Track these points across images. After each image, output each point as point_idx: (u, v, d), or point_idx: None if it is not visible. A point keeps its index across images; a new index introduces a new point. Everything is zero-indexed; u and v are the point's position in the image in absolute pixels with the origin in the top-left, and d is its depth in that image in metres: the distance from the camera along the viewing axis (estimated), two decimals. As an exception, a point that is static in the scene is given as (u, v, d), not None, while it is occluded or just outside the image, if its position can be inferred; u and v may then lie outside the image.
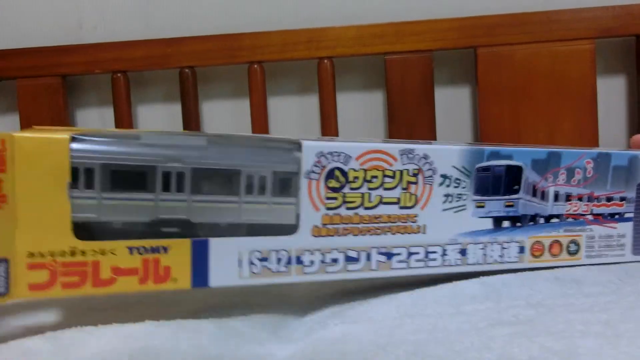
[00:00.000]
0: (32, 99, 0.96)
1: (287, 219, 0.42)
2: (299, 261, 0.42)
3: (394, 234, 0.44)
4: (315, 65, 0.95)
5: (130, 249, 0.38)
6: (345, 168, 0.43)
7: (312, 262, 0.42)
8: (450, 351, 0.34)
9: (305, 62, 0.96)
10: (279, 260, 0.41)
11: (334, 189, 0.42)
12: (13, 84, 0.97)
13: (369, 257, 0.43)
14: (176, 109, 0.98)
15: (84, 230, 0.38)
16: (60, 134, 0.37)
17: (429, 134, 0.94)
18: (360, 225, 0.43)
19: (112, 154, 0.38)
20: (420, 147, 0.44)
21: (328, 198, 0.42)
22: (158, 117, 1.02)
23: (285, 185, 0.42)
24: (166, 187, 0.39)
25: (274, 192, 0.42)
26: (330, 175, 0.42)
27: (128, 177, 0.38)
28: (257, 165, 0.41)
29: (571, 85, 0.92)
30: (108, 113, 0.99)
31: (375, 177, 0.43)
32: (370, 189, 0.43)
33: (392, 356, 0.35)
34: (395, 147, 0.44)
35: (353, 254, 0.43)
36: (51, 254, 0.36)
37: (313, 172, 0.42)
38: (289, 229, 0.42)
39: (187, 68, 0.95)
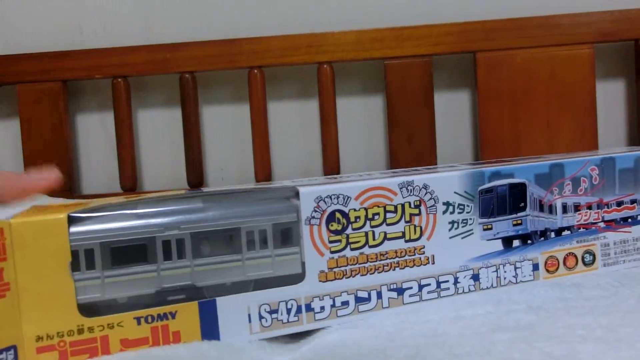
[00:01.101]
0: (32, 104, 0.96)
1: (292, 269, 0.42)
2: (309, 308, 0.41)
3: (402, 268, 0.44)
4: (315, 70, 0.95)
5: (138, 319, 0.38)
6: (346, 209, 0.42)
7: (322, 308, 0.42)
8: (450, 355, 0.34)
9: (305, 67, 0.97)
10: (288, 310, 0.41)
11: (337, 232, 0.42)
12: (13, 89, 0.97)
13: (379, 295, 0.43)
14: (176, 114, 0.98)
15: (89, 309, 0.37)
16: (57, 214, 0.36)
17: (429, 139, 0.94)
18: (367, 265, 0.43)
19: (110, 232, 0.38)
20: (419, 178, 0.44)
21: (331, 241, 0.42)
22: (158, 122, 1.02)
23: (287, 235, 0.41)
24: (167, 256, 0.39)
25: (276, 244, 0.41)
26: (331, 218, 0.42)
27: (128, 252, 0.38)
28: (256, 219, 0.41)
29: (570, 89, 0.92)
30: (108, 118, 0.99)
31: (377, 214, 0.43)
32: (373, 226, 0.43)
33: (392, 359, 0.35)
34: (393, 181, 0.44)
35: (363, 294, 0.43)
36: (59, 335, 0.36)
37: (313, 217, 0.42)
38: (296, 278, 0.41)
39: (187, 73, 0.95)
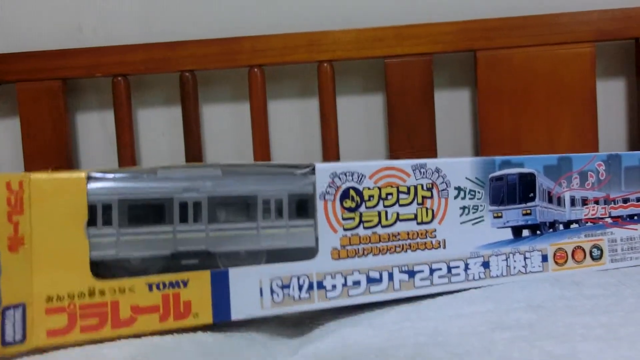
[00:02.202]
0: (32, 102, 0.96)
1: (306, 241, 0.41)
2: (321, 286, 0.41)
3: (414, 250, 0.43)
4: (315, 68, 0.95)
5: (150, 285, 0.37)
6: (360, 187, 0.42)
7: (334, 287, 0.41)
8: (450, 354, 0.34)
9: (305, 65, 0.97)
10: (300, 287, 0.41)
11: (350, 209, 0.42)
12: (13, 87, 0.97)
13: (391, 277, 0.43)
14: (176, 113, 0.98)
15: (102, 268, 0.37)
16: (77, 173, 0.36)
17: (429, 137, 0.94)
18: (379, 244, 0.43)
19: (128, 190, 0.38)
20: (431, 161, 0.44)
21: (345, 219, 0.42)
22: (158, 120, 1.02)
23: (302, 207, 0.41)
24: (183, 218, 0.39)
25: (291, 215, 0.41)
26: (345, 195, 0.42)
27: (145, 211, 0.38)
28: (273, 189, 0.41)
29: (571, 88, 0.92)
30: (109, 116, 0.99)
31: (390, 194, 0.43)
32: (386, 206, 0.43)
33: (392, 358, 0.35)
34: (407, 163, 0.44)
35: (375, 274, 0.42)
36: (70, 296, 0.36)
37: (328, 193, 0.42)
38: (310, 252, 0.41)
39: (187, 71, 0.95)
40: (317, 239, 0.41)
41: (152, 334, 0.37)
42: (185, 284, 0.38)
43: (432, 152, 0.94)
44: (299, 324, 0.43)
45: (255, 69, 0.94)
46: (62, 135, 0.96)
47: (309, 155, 1.01)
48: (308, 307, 0.41)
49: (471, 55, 0.95)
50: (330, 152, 0.94)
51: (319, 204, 0.42)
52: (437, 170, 0.45)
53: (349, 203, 0.42)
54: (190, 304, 0.38)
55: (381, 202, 0.43)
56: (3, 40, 1.01)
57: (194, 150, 0.96)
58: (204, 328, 0.41)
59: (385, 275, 0.43)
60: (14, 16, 1.01)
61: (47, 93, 0.96)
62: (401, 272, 0.43)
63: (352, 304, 0.42)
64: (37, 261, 0.35)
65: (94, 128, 1.02)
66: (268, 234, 0.41)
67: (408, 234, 0.43)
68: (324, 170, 0.42)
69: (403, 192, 0.44)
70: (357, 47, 0.93)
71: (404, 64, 0.93)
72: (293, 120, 1.01)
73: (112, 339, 0.36)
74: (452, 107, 0.99)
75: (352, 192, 0.42)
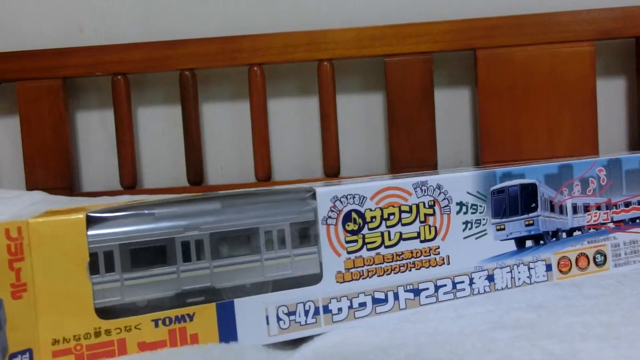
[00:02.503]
0: (32, 101, 0.96)
1: (311, 269, 0.41)
2: (327, 310, 0.41)
3: (418, 269, 0.44)
4: (315, 67, 0.95)
5: (156, 321, 0.37)
6: (362, 209, 0.43)
7: (340, 310, 0.42)
8: (451, 354, 0.34)
9: (305, 64, 0.96)
10: (306, 312, 0.41)
11: (353, 232, 0.43)
12: (13, 86, 0.97)
13: (396, 297, 0.43)
14: (176, 111, 0.98)
15: (108, 312, 0.37)
16: (75, 214, 0.36)
17: (429, 136, 0.94)
18: (383, 265, 0.43)
19: (128, 233, 0.38)
20: (432, 178, 0.45)
21: (348, 242, 0.42)
22: (158, 119, 1.02)
23: (305, 235, 0.41)
24: (186, 257, 0.39)
25: (294, 244, 0.41)
26: (347, 218, 0.42)
27: (148, 254, 0.38)
28: (274, 219, 0.41)
29: (571, 87, 0.92)
30: (109, 115, 0.99)
31: (392, 214, 0.44)
32: (388, 226, 0.43)
33: (393, 359, 0.35)
34: (408, 181, 0.44)
35: (380, 295, 0.43)
36: (75, 338, 0.36)
37: (330, 217, 0.42)
38: (314, 279, 0.41)
39: (187, 70, 0.95)
40: (321, 264, 0.41)
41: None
42: (191, 317, 0.38)
43: (432, 151, 0.94)
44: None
45: (255, 68, 0.94)
46: (62, 134, 0.96)
47: (308, 154, 1.01)
48: (314, 332, 0.41)
49: (471, 54, 0.95)
50: (330, 150, 0.94)
51: (322, 229, 0.42)
52: (439, 187, 0.45)
53: (351, 226, 0.43)
54: (197, 337, 0.38)
55: (383, 222, 0.43)
56: (3, 39, 1.01)
57: (193, 149, 0.96)
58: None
59: (390, 295, 0.43)
60: (14, 15, 1.01)
61: (47, 92, 0.96)
62: (406, 291, 0.43)
63: (359, 325, 0.42)
64: (41, 305, 0.35)
65: (94, 127, 1.02)
66: (272, 264, 0.41)
67: (412, 252, 0.44)
68: (325, 194, 0.42)
69: (405, 212, 0.44)
70: (357, 46, 0.93)
71: (404, 63, 0.93)
72: (293, 119, 1.01)
73: None
74: (452, 106, 0.99)
75: (354, 215, 0.43)
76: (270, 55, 0.93)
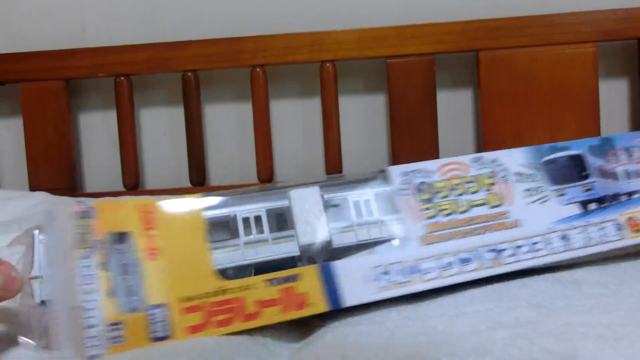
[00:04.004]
0: (35, 102, 0.96)
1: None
2: (418, 270, 0.44)
3: (493, 231, 0.46)
4: (317, 68, 0.95)
5: (267, 281, 0.41)
6: (429, 181, 0.47)
7: (430, 270, 0.44)
8: (450, 354, 0.35)
9: (307, 65, 0.97)
10: (400, 272, 0.44)
11: (426, 201, 0.46)
12: (17, 87, 0.98)
13: (479, 257, 0.45)
14: (179, 112, 0.99)
15: (224, 274, 0.42)
16: (194, 195, 0.43)
17: (432, 137, 0.94)
18: (460, 229, 0.46)
19: (242, 206, 0.44)
20: (486, 154, 0.48)
21: (423, 209, 0.46)
22: (161, 120, 1.02)
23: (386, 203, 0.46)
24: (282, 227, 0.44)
25: (380, 212, 0.46)
26: (418, 189, 0.46)
27: (252, 221, 0.43)
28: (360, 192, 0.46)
29: (573, 88, 0.92)
30: (111, 116, 1.00)
31: (458, 184, 0.47)
32: (457, 195, 0.47)
33: (392, 357, 0.35)
34: (464, 158, 0.48)
35: (464, 255, 0.45)
36: (200, 297, 0.40)
37: (403, 189, 0.46)
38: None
39: (189, 71, 0.95)
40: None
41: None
42: (296, 278, 0.42)
43: (434, 152, 0.94)
44: (300, 324, 0.43)
45: (258, 69, 0.94)
46: (64, 134, 0.96)
47: (311, 155, 1.01)
48: (410, 290, 0.43)
49: (474, 55, 0.95)
50: (332, 151, 0.94)
51: (399, 200, 0.46)
52: (493, 161, 0.48)
53: (423, 195, 0.46)
54: (305, 295, 0.42)
55: (452, 192, 0.47)
56: (6, 40, 1.01)
57: (196, 150, 0.96)
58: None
59: (473, 256, 0.45)
60: (17, 16, 1.02)
61: (50, 93, 0.96)
62: (488, 251, 0.45)
63: (449, 284, 0.44)
64: (170, 268, 0.40)
65: (97, 128, 1.02)
66: (362, 229, 0.45)
67: (484, 217, 0.46)
68: (395, 170, 0.47)
69: (469, 182, 0.47)
70: (359, 47, 0.93)
71: (407, 64, 0.93)
72: (295, 120, 1.01)
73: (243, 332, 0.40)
74: (455, 107, 0.99)
75: (424, 186, 0.46)
76: (273, 57, 0.94)
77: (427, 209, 0.46)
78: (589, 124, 0.92)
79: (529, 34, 0.92)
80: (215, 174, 1.02)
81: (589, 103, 0.92)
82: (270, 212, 0.44)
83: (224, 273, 0.41)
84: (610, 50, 0.97)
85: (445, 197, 0.46)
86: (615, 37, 0.91)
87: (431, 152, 0.94)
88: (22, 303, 0.39)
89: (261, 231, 0.43)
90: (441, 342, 0.36)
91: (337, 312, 0.44)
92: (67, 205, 0.39)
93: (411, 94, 0.94)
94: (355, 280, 0.43)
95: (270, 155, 0.96)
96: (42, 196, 0.89)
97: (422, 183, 0.46)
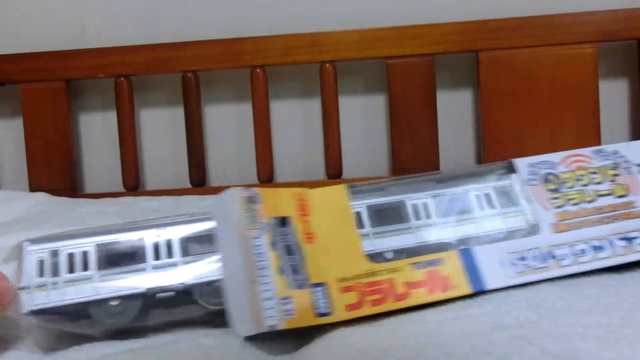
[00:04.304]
0: (35, 103, 0.96)
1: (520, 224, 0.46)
2: (553, 256, 0.45)
3: (622, 220, 0.47)
4: (317, 69, 0.95)
5: (413, 264, 0.44)
6: (555, 172, 0.48)
7: (565, 256, 0.45)
8: (449, 355, 0.35)
9: (307, 66, 0.97)
10: (535, 258, 0.45)
11: (553, 190, 0.48)
12: (17, 88, 0.98)
13: (611, 244, 0.46)
14: (179, 113, 0.99)
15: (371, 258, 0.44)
16: (338, 187, 0.47)
17: (431, 138, 0.94)
18: (589, 217, 0.47)
19: (376, 199, 0.47)
20: (607, 147, 0.50)
21: (551, 198, 0.47)
22: (161, 120, 1.02)
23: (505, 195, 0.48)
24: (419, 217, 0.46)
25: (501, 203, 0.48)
26: (545, 179, 0.48)
27: (387, 213, 0.46)
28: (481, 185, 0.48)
29: (573, 88, 0.92)
30: (111, 117, 1.00)
31: (583, 175, 0.49)
32: (583, 185, 0.48)
33: (392, 359, 0.35)
34: (586, 150, 0.50)
35: (597, 243, 0.46)
36: (353, 278, 0.43)
37: (531, 179, 0.48)
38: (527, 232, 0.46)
39: (189, 72, 0.95)
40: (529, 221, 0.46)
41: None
42: (439, 262, 0.44)
43: (434, 153, 0.94)
44: (296, 335, 0.43)
45: (258, 70, 0.94)
46: (64, 135, 0.97)
47: (311, 155, 1.01)
48: (546, 275, 0.44)
49: (473, 55, 0.95)
50: (332, 152, 0.94)
51: (528, 190, 0.47)
52: (615, 152, 0.49)
53: (550, 185, 0.48)
54: (449, 278, 0.43)
55: (577, 182, 0.48)
56: (6, 41, 1.01)
57: (196, 151, 0.96)
58: (206, 330, 0.42)
59: (606, 243, 0.46)
60: (17, 17, 1.02)
61: (50, 93, 0.96)
62: (619, 239, 0.46)
63: (583, 271, 0.45)
64: (324, 252, 0.43)
65: (97, 128, 1.03)
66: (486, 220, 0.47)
67: (611, 206, 0.48)
68: (522, 162, 0.49)
69: (593, 173, 0.49)
70: (359, 48, 0.93)
71: (406, 65, 0.93)
72: (295, 120, 1.01)
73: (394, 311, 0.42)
74: (455, 108, 0.99)
75: (550, 177, 0.48)
76: (273, 57, 0.94)
77: (556, 198, 0.47)
78: (589, 124, 0.92)
79: (529, 34, 0.92)
80: (216, 174, 1.02)
81: (589, 103, 0.92)
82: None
83: (373, 257, 0.44)
84: (610, 50, 0.97)
85: (572, 187, 0.48)
86: (616, 37, 0.91)
87: (431, 152, 0.94)
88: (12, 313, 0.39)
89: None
90: (441, 344, 0.36)
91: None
92: (235, 191, 0.42)
93: (411, 94, 0.94)
94: (494, 265, 0.44)
95: (271, 156, 0.96)
96: (42, 197, 0.89)
97: (549, 174, 0.48)
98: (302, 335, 0.42)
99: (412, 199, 0.46)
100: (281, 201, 0.44)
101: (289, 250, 0.42)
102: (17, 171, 1.02)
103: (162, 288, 0.41)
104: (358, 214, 0.45)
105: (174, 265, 0.42)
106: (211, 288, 0.42)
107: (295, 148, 1.01)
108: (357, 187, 0.47)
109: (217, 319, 0.42)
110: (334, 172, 0.95)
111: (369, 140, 1.01)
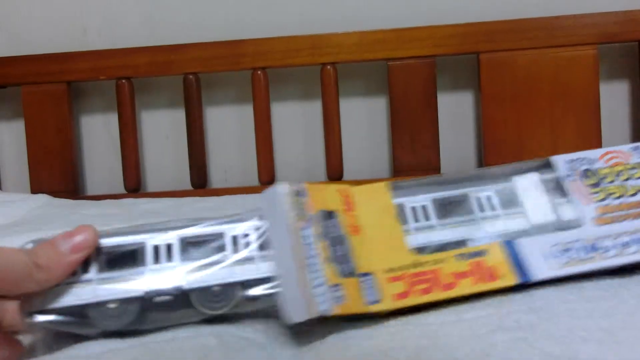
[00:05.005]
0: (37, 105, 0.96)
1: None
2: (597, 248, 0.46)
3: None
4: (318, 71, 0.95)
5: (458, 256, 0.45)
6: (594, 168, 0.49)
7: (608, 248, 0.46)
8: (450, 357, 0.35)
9: (308, 68, 0.97)
10: (579, 249, 0.45)
11: (593, 185, 0.48)
12: (18, 90, 0.98)
13: None
14: (180, 115, 0.99)
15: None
16: (379, 184, 0.48)
17: (432, 140, 0.94)
18: (632, 211, 0.47)
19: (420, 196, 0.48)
20: None
21: (592, 193, 0.48)
22: (162, 123, 1.02)
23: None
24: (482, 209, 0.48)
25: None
26: (584, 175, 0.49)
27: (450, 205, 0.48)
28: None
29: (574, 90, 0.92)
30: (113, 119, 1.00)
31: (622, 171, 0.49)
32: (623, 180, 0.49)
33: (393, 362, 0.35)
34: (623, 147, 0.50)
35: None
36: (400, 269, 0.44)
37: (569, 175, 0.49)
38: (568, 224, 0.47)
39: (191, 74, 0.95)
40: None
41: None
42: (483, 253, 0.45)
43: (435, 155, 0.94)
44: (300, 326, 0.44)
45: (259, 72, 0.94)
46: (66, 137, 0.97)
47: (312, 158, 1.01)
48: (591, 267, 0.45)
49: (474, 57, 0.95)
50: (333, 154, 0.94)
51: (568, 185, 0.48)
52: None
53: (589, 181, 0.48)
54: (494, 269, 0.44)
55: (617, 177, 0.49)
56: (8, 43, 1.01)
57: (197, 153, 0.96)
58: (206, 329, 0.42)
59: None
60: (18, 19, 1.02)
61: (52, 96, 0.96)
62: None
63: (629, 262, 0.45)
64: (370, 244, 0.44)
65: (98, 130, 1.03)
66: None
67: None
68: (559, 159, 0.49)
69: (632, 169, 0.49)
70: (360, 50, 0.93)
71: (407, 67, 0.94)
72: (296, 122, 1.01)
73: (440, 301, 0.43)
74: (455, 110, 1.00)
75: (589, 173, 0.49)
76: (274, 59, 0.94)
77: (596, 192, 0.48)
78: (590, 126, 0.92)
79: (529, 36, 0.92)
80: (217, 176, 1.03)
81: (590, 105, 0.92)
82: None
83: (418, 250, 0.45)
84: (610, 52, 0.97)
85: (612, 182, 0.48)
86: (616, 39, 0.91)
87: (432, 154, 0.94)
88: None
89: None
90: (442, 346, 0.37)
91: (339, 317, 0.44)
92: (284, 185, 0.44)
93: (412, 96, 0.94)
94: (538, 257, 0.45)
95: (272, 158, 0.96)
96: (43, 199, 0.89)
97: (587, 170, 0.49)
98: (303, 337, 0.42)
99: (456, 194, 0.48)
100: (327, 196, 0.45)
101: (336, 242, 0.43)
102: (18, 173, 1.02)
103: (160, 291, 0.41)
104: (401, 209, 0.47)
105: (173, 268, 0.42)
106: (209, 293, 0.42)
107: (296, 150, 1.01)
108: (399, 184, 0.48)
109: (217, 319, 0.42)
110: (334, 175, 0.95)
111: (370, 142, 1.01)
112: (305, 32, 0.95)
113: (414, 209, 0.47)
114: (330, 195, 0.46)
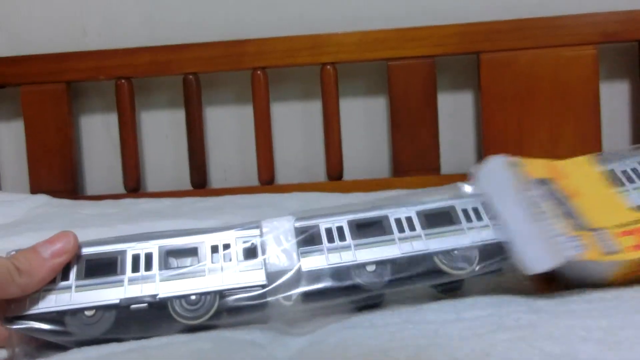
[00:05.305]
0: (36, 105, 0.96)
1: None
2: None
3: None
4: (318, 71, 0.95)
5: None
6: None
7: None
8: (450, 357, 0.35)
9: (308, 68, 0.97)
10: None
11: None
12: (17, 90, 0.98)
13: None
14: (180, 115, 0.99)
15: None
16: (584, 157, 0.51)
17: (432, 140, 0.94)
18: None
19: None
20: None
21: None
22: (162, 123, 1.02)
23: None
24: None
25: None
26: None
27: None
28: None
29: (574, 90, 0.92)
30: (112, 119, 1.00)
31: None
32: None
33: (393, 361, 0.35)
34: None
35: None
36: (629, 224, 0.45)
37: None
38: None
39: (190, 74, 0.95)
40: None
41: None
42: None
43: (435, 155, 0.94)
44: (300, 326, 0.44)
45: (259, 72, 0.94)
46: (65, 137, 0.97)
47: (312, 157, 1.01)
48: None
49: (474, 57, 0.95)
50: (333, 154, 0.94)
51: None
52: None
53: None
54: None
55: None
56: (7, 43, 1.01)
57: (197, 153, 0.96)
58: (201, 334, 0.42)
59: None
60: (18, 19, 1.02)
61: (51, 96, 0.96)
62: None
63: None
64: (591, 205, 0.47)
65: (98, 130, 1.03)
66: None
67: None
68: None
69: None
70: (360, 50, 0.93)
71: (407, 67, 0.93)
72: (296, 122, 1.01)
73: None
74: (455, 110, 1.00)
75: None
76: (274, 59, 0.94)
77: None
78: (590, 126, 0.92)
79: (529, 36, 0.92)
80: (216, 176, 1.02)
81: (590, 105, 0.92)
82: None
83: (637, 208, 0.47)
84: (611, 52, 0.97)
85: None
86: (616, 38, 0.91)
87: (432, 154, 0.94)
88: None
89: None
90: (442, 345, 0.37)
91: (339, 315, 0.44)
92: (501, 157, 0.48)
93: (412, 96, 0.94)
94: None
95: (271, 158, 0.96)
96: (43, 199, 0.89)
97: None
98: (303, 337, 0.42)
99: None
100: (538, 167, 0.49)
101: (561, 202, 0.46)
102: (18, 173, 1.02)
103: (136, 299, 0.41)
104: (612, 174, 0.49)
105: (151, 277, 0.42)
106: (186, 302, 0.41)
107: (296, 150, 1.01)
108: (604, 155, 0.51)
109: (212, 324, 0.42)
110: (334, 174, 0.95)
111: (370, 142, 1.01)
112: (305, 32, 0.95)
113: (625, 172, 0.49)
114: (540, 167, 0.49)
